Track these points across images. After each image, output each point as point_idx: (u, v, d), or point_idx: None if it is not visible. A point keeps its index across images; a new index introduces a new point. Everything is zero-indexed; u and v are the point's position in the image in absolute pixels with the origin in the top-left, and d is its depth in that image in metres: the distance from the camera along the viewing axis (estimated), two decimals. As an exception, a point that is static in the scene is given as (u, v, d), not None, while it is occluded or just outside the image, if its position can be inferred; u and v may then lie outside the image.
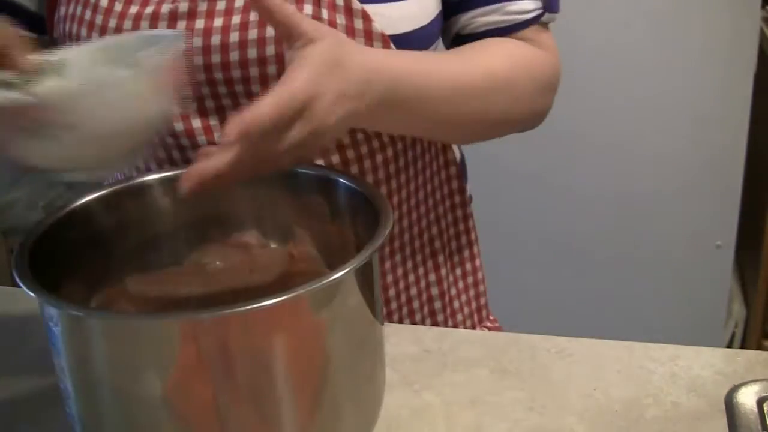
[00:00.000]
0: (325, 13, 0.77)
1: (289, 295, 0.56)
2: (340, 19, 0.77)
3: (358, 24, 0.78)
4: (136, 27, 0.78)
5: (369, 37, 0.78)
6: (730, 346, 2.08)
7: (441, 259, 0.94)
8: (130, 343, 0.58)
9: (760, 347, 2.06)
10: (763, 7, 1.84)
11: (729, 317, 2.08)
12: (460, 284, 0.98)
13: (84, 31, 0.79)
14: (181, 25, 0.77)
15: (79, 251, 0.70)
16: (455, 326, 0.97)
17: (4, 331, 0.88)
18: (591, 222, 1.97)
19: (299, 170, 0.76)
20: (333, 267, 0.60)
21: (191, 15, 0.77)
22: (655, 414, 0.73)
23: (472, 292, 0.99)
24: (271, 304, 0.55)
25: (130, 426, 0.61)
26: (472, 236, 0.98)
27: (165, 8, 0.78)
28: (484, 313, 1.01)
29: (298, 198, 0.75)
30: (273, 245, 0.76)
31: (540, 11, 0.86)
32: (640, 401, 0.74)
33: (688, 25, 1.81)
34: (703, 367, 0.78)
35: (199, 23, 0.77)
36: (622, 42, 1.82)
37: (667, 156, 1.90)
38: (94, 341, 0.59)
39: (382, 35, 0.78)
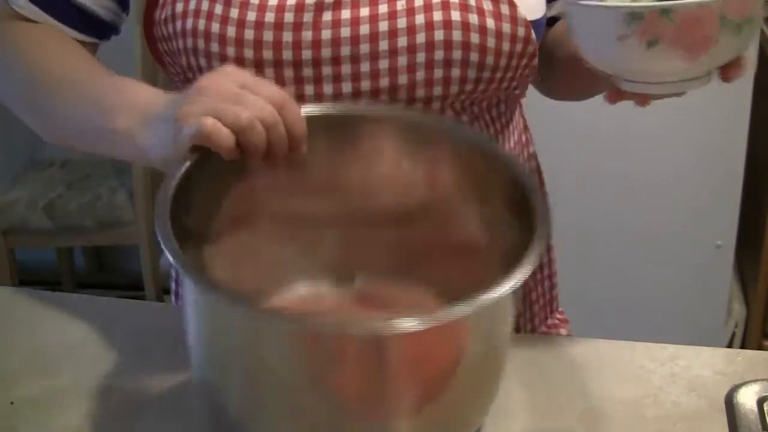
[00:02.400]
0: (472, 0, 0.77)
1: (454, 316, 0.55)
2: (487, 5, 0.77)
3: (504, 9, 0.78)
4: (279, 19, 0.75)
5: (515, 22, 0.78)
6: (730, 345, 2.08)
7: None
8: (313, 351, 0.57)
9: (760, 347, 2.06)
10: (763, 7, 1.84)
11: (729, 317, 2.08)
12: (537, 275, 0.98)
13: (216, 27, 0.76)
14: (327, 15, 0.76)
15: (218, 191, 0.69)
16: (532, 318, 0.97)
17: (4, 331, 0.88)
18: (591, 221, 1.97)
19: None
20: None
21: (337, 5, 0.76)
22: (655, 414, 0.73)
23: (546, 284, 1.00)
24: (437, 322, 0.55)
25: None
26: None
27: None
28: (554, 304, 1.02)
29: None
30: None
31: None
32: (640, 401, 0.74)
33: (688, 25, 1.81)
34: (703, 367, 0.78)
35: (346, 13, 0.76)
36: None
37: (667, 156, 1.90)
38: (275, 343, 0.58)
39: (525, 21, 0.78)
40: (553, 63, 0.89)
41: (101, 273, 2.72)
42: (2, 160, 2.42)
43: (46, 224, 2.18)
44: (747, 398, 0.72)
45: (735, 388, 0.74)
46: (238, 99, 0.65)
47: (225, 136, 0.64)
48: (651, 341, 0.82)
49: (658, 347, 0.81)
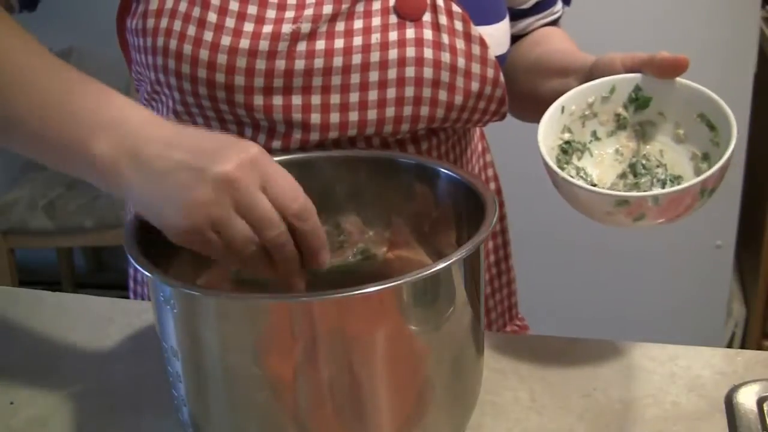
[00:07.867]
0: (445, 38, 0.77)
1: (402, 281, 0.57)
2: (460, 44, 0.78)
3: (476, 50, 0.78)
4: (253, 46, 0.74)
5: (484, 63, 0.79)
6: (730, 346, 2.08)
7: None
8: (246, 324, 0.59)
9: (760, 347, 2.06)
10: (763, 7, 1.84)
11: (729, 317, 2.09)
12: (495, 283, 0.99)
13: (188, 49, 0.75)
14: (302, 45, 0.75)
15: None
16: (488, 325, 0.97)
17: (4, 331, 0.88)
18: (590, 221, 1.96)
19: (401, 159, 0.77)
20: (432, 257, 0.61)
21: (312, 36, 0.75)
22: (655, 414, 0.73)
23: (504, 292, 1.00)
24: (394, 285, 0.57)
25: (238, 408, 0.61)
26: (507, 236, 1.00)
27: (286, 28, 0.75)
28: (513, 312, 1.02)
29: (399, 185, 0.75)
30: (371, 232, 0.76)
31: (563, 7, 1.00)
32: (640, 401, 0.74)
33: (688, 25, 1.81)
34: (703, 367, 0.78)
35: (320, 44, 0.76)
36: (621, 42, 1.82)
37: (667, 156, 1.90)
38: (210, 321, 0.60)
39: (495, 63, 0.79)
40: (512, 83, 0.88)
41: (101, 273, 2.72)
42: (2, 160, 2.42)
43: (46, 224, 2.18)
44: (747, 398, 0.73)
45: (735, 388, 0.74)
46: (251, 208, 0.60)
47: (225, 261, 0.63)
48: (651, 341, 0.82)
49: (658, 347, 0.81)
